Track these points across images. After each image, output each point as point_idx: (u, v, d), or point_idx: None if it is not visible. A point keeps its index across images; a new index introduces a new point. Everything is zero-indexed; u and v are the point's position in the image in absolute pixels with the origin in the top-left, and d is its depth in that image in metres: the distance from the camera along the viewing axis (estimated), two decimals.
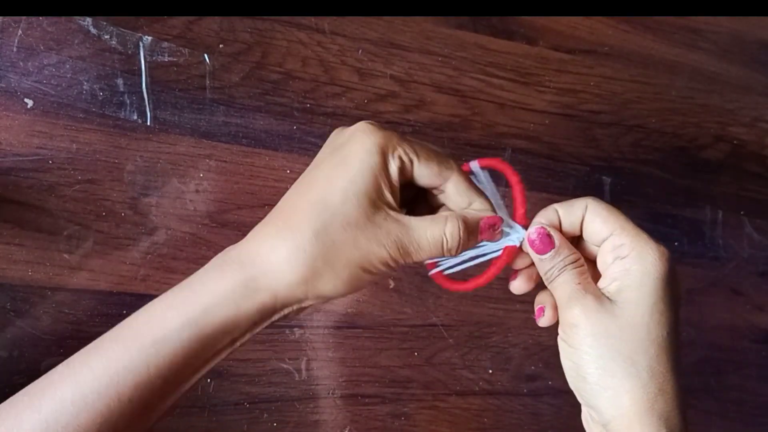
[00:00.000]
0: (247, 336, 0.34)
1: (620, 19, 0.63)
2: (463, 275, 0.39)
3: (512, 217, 0.38)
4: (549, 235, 0.36)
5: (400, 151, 0.34)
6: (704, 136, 0.66)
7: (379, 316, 0.54)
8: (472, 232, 0.36)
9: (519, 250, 0.38)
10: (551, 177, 0.60)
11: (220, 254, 0.35)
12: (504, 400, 0.57)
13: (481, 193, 0.38)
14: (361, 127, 0.35)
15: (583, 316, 0.35)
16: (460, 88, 0.57)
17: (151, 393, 0.32)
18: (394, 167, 0.34)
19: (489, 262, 0.38)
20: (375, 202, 0.33)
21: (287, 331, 0.51)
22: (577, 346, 0.35)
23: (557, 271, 0.36)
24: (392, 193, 0.34)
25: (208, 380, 0.49)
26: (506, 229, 0.37)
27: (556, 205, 0.38)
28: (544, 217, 0.37)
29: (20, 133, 0.45)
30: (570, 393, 0.36)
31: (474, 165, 0.39)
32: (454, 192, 0.37)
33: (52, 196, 0.46)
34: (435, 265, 0.39)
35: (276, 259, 0.33)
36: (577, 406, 0.36)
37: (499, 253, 0.38)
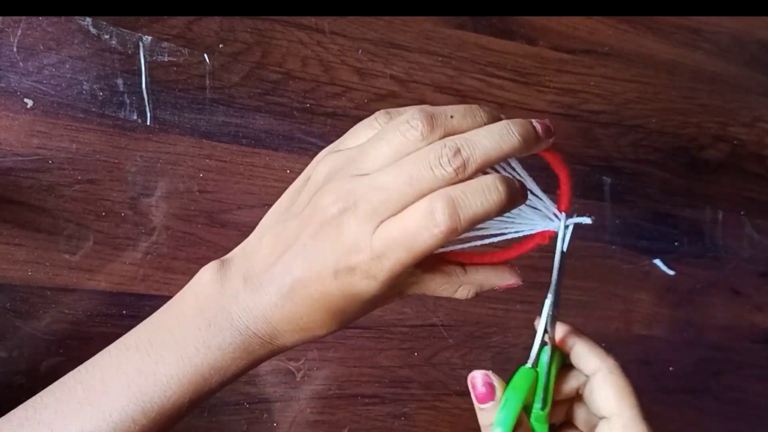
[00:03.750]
0: None
1: (620, 19, 0.62)
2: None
3: (557, 204, 0.37)
4: (491, 385, 0.32)
5: None
6: (704, 136, 0.66)
7: (379, 316, 0.54)
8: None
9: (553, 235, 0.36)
10: (551, 177, 0.60)
11: (227, 299, 0.35)
12: None
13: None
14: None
15: None
16: (460, 88, 0.57)
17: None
18: None
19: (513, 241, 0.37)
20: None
21: None
22: None
23: None
24: None
25: None
26: (545, 212, 0.36)
27: (575, 338, 0.34)
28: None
29: (20, 133, 0.45)
30: None
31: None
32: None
33: (51, 196, 0.46)
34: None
35: (281, 330, 0.35)
36: None
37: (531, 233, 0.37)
